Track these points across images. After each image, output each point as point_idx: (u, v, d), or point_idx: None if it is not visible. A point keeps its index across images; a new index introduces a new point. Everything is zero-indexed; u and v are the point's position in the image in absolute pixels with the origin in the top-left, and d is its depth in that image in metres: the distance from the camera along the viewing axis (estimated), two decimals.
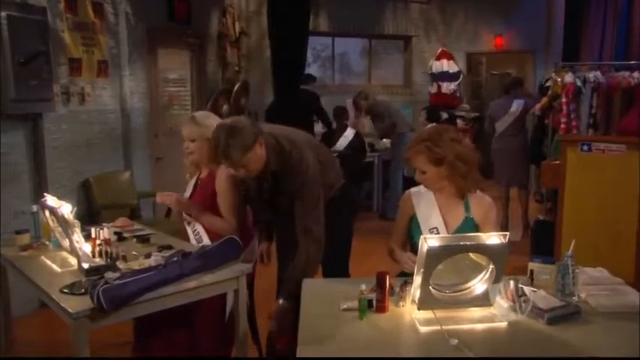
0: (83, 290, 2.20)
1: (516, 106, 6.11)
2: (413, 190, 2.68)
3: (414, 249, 2.59)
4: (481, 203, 2.59)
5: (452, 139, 2.49)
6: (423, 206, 2.59)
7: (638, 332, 1.91)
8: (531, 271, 2.32)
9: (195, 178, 3.04)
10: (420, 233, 2.51)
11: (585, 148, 4.20)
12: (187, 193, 3.04)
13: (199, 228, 2.91)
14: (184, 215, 2.97)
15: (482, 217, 2.57)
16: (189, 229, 2.97)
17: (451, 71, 8.81)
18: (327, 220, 2.81)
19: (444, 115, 7.80)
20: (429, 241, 1.99)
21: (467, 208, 2.57)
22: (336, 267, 3.08)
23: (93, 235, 2.71)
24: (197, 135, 2.87)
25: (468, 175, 2.50)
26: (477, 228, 2.54)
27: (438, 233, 2.48)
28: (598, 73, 5.36)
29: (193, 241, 2.93)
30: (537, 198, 7.48)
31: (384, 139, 7.32)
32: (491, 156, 6.38)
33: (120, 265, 2.49)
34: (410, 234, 2.64)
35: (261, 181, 2.79)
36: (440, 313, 2.04)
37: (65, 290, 2.25)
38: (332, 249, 3.03)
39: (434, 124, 6.86)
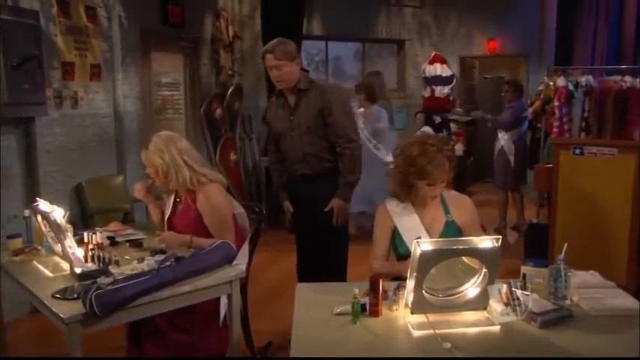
0: (76, 295, 2.18)
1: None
2: (387, 202, 2.64)
3: (403, 260, 2.60)
4: (461, 204, 2.59)
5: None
6: (402, 217, 2.57)
7: (630, 335, 1.92)
8: (524, 275, 2.32)
9: (173, 195, 3.00)
10: (405, 244, 2.52)
11: (578, 151, 4.22)
12: (168, 211, 3.01)
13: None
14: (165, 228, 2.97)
15: (465, 219, 2.57)
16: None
17: (444, 75, 8.81)
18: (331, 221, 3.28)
19: (437, 119, 7.82)
20: (422, 245, 1.99)
21: (447, 211, 2.57)
22: (339, 267, 3.38)
23: (85, 240, 2.70)
24: (149, 163, 2.86)
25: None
26: (459, 231, 2.54)
27: None
28: (590, 77, 5.41)
29: None
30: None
31: None
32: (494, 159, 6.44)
33: (113, 269, 2.47)
34: (394, 246, 2.63)
35: (287, 105, 3.37)
36: (433, 317, 2.04)
37: (57, 295, 2.23)
38: (336, 250, 3.29)
39: (429, 127, 6.94)
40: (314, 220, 3.40)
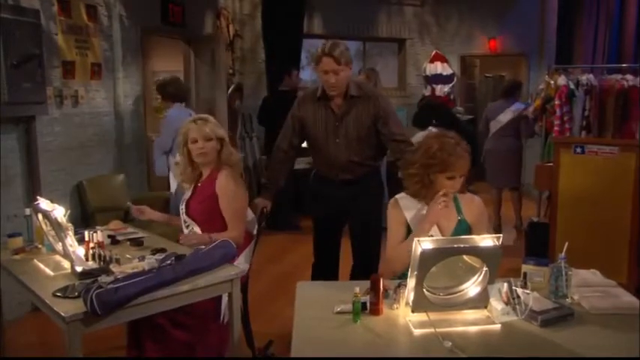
0: (76, 294, 2.18)
1: (515, 108, 6.13)
2: (399, 196, 2.64)
3: None
4: (472, 204, 2.60)
5: None
6: (413, 213, 2.57)
7: (630, 334, 1.92)
8: (525, 273, 2.33)
9: (194, 183, 3.07)
10: None
11: (579, 150, 4.23)
12: (186, 196, 3.07)
13: (197, 229, 2.95)
14: (184, 217, 3.02)
15: (475, 218, 2.57)
16: (186, 232, 3.00)
17: (445, 74, 8.83)
18: (374, 212, 3.30)
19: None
20: (423, 244, 1.99)
21: (459, 211, 2.57)
22: (374, 264, 3.33)
23: (86, 238, 2.70)
24: (214, 134, 2.97)
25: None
26: (469, 230, 2.54)
27: None
28: (591, 76, 5.40)
29: None
30: None
31: None
32: (483, 157, 6.39)
33: (113, 268, 2.48)
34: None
35: (330, 110, 3.23)
36: (434, 316, 2.04)
37: (58, 294, 2.23)
38: (373, 247, 3.38)
39: (432, 127, 6.73)
40: (346, 221, 3.41)
